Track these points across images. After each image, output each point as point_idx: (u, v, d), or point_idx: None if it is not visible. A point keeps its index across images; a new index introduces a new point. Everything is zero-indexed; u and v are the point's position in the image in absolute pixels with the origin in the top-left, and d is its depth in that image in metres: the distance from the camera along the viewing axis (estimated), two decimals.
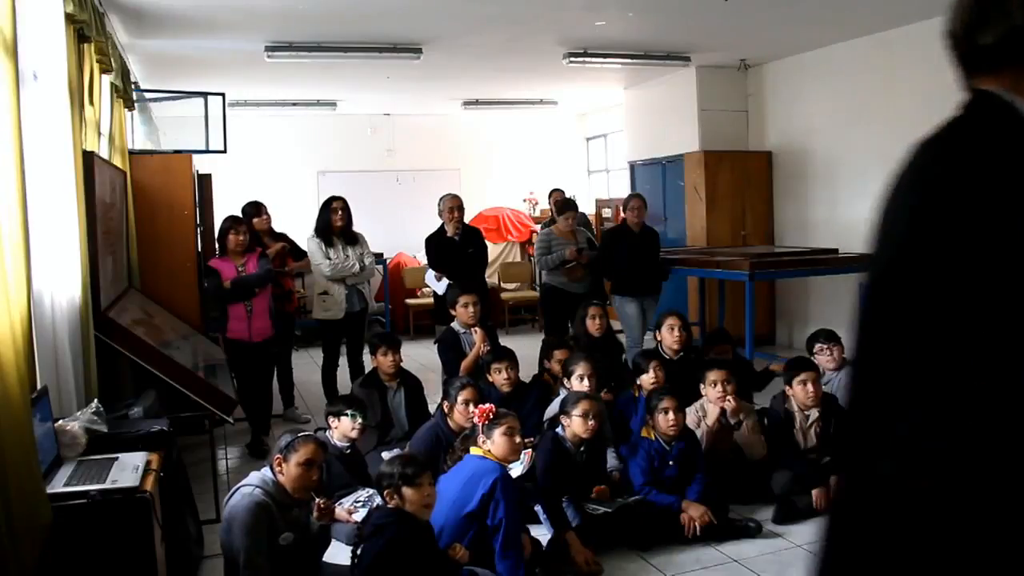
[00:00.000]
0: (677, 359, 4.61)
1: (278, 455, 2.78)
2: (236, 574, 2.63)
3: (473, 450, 3.21)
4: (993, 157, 0.98)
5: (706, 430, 4.00)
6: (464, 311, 4.85)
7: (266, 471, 2.80)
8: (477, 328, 4.82)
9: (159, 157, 5.52)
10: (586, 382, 4.11)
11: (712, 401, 4.02)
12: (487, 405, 3.27)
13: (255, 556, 2.59)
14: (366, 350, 5.56)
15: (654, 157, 8.71)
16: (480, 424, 3.20)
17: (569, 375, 4.20)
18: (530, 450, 3.60)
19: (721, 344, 4.91)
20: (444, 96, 9.52)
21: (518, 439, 3.21)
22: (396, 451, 3.99)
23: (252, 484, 2.72)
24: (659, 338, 4.75)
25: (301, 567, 2.80)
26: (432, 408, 4.41)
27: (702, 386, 4.08)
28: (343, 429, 3.68)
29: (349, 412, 3.67)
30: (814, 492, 3.76)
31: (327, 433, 3.72)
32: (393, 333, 6.25)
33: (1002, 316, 0.93)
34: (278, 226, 5.87)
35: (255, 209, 5.59)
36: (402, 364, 4.54)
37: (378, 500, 3.09)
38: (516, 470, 3.40)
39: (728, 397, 3.95)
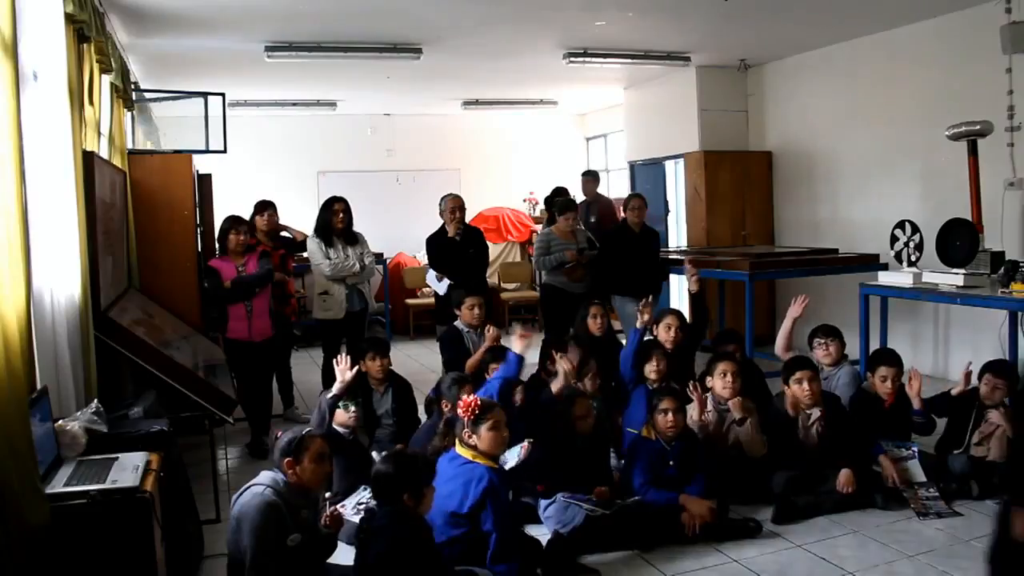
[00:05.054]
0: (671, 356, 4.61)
1: (288, 457, 2.73)
2: (241, 574, 2.61)
3: (460, 449, 3.15)
4: None
5: (696, 424, 3.99)
6: (469, 312, 4.87)
7: (277, 472, 2.76)
8: (490, 326, 4.79)
9: (159, 157, 5.51)
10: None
11: (718, 392, 4.05)
12: (471, 398, 3.18)
13: (262, 557, 2.57)
14: None
15: (654, 157, 8.70)
16: (465, 419, 3.11)
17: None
18: (526, 443, 3.52)
19: (729, 345, 4.75)
20: (444, 96, 9.52)
21: (505, 433, 3.15)
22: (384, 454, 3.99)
23: (263, 484, 2.69)
24: (655, 335, 4.75)
25: (307, 569, 2.78)
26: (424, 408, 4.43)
27: (708, 379, 4.10)
28: (339, 420, 3.77)
29: (341, 403, 3.75)
30: (841, 473, 3.77)
31: None
32: (378, 337, 6.20)
33: None
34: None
35: (261, 207, 5.57)
36: (391, 367, 4.51)
37: None
38: (511, 461, 3.33)
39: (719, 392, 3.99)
